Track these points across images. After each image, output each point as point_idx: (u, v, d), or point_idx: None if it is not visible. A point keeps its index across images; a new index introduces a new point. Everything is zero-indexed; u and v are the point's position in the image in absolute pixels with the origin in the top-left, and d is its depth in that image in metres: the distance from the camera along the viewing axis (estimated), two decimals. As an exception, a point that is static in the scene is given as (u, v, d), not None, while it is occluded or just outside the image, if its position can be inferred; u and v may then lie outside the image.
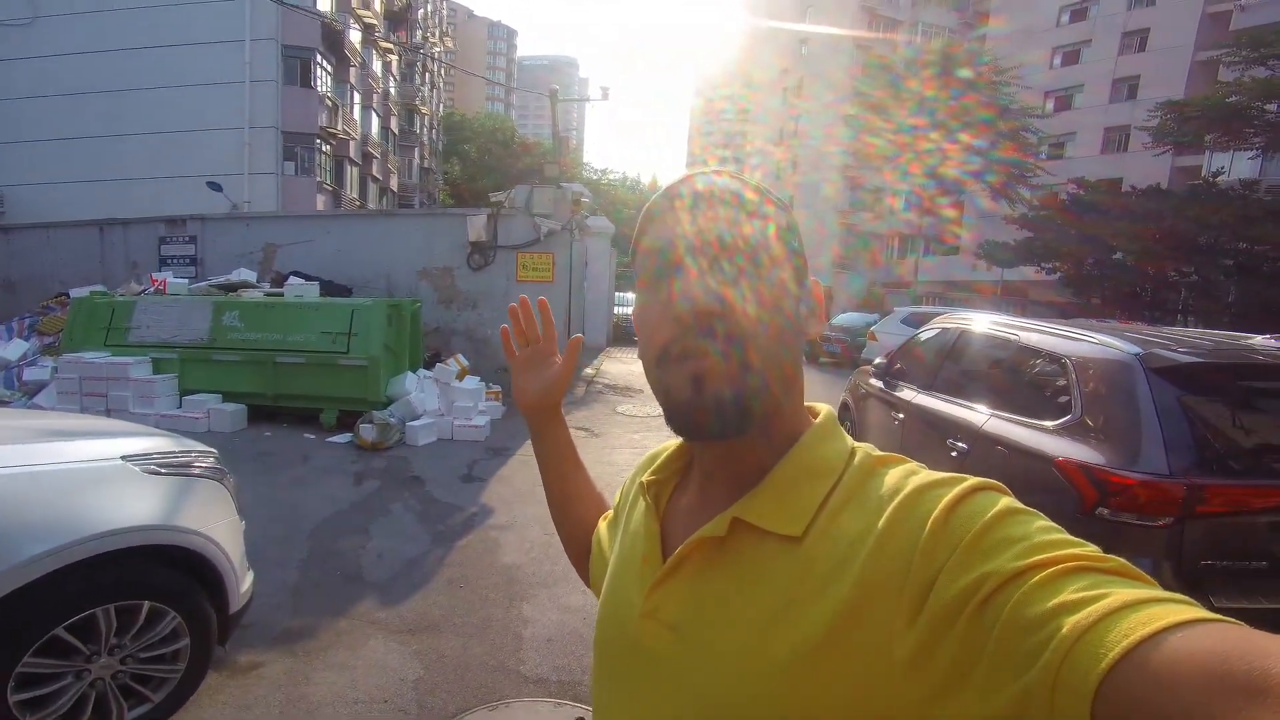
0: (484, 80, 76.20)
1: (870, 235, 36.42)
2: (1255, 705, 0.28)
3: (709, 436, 0.51)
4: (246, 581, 2.45)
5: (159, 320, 7.14)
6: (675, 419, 0.52)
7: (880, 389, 4.32)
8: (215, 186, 15.75)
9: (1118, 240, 18.91)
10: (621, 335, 17.66)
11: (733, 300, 0.49)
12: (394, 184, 31.55)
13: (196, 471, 2.29)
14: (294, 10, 18.42)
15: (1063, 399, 2.53)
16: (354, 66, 24.80)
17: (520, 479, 5.40)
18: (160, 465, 2.18)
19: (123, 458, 2.10)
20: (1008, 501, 0.44)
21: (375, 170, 28.39)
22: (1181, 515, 1.99)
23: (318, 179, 21.58)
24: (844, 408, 5.33)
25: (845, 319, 16.23)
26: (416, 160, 36.83)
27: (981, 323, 3.50)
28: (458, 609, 3.23)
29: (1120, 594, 0.36)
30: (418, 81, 36.53)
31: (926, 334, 4.22)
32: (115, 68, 19.60)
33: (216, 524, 2.28)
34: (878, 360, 4.75)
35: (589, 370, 11.90)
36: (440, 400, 7.08)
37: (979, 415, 2.97)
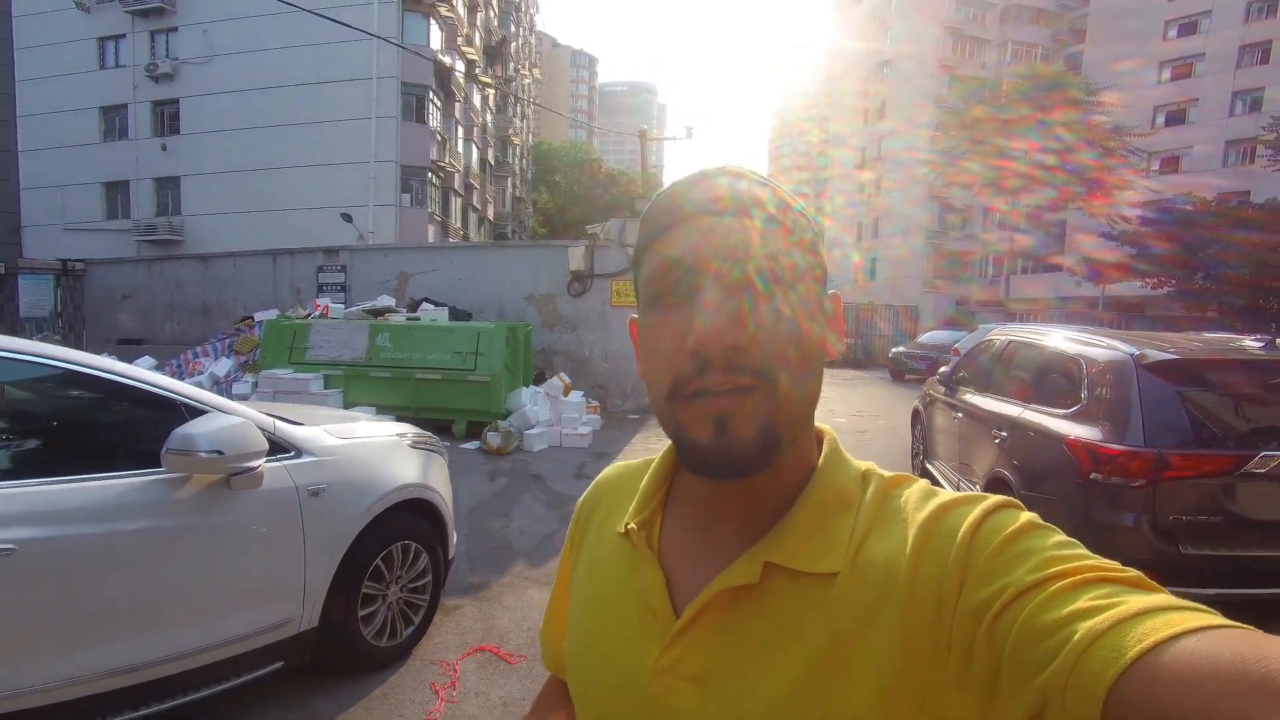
0: (569, 106, 79.69)
1: (959, 255, 35.72)
2: (1276, 706, 0.29)
3: (729, 477, 0.47)
4: (453, 536, 3.39)
5: (328, 341, 8.60)
6: (691, 460, 0.47)
7: (944, 394, 5.01)
8: (347, 218, 17.91)
9: (1230, 255, 18.06)
10: None
11: (760, 331, 0.45)
12: (490, 213, 33.97)
13: (432, 448, 3.27)
14: (411, 50, 20.52)
15: (1075, 391, 3.19)
16: (458, 101, 27.10)
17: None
18: (413, 442, 3.13)
19: (397, 435, 3.09)
20: (1028, 517, 0.44)
21: (475, 200, 30.74)
22: (1153, 478, 2.64)
23: (429, 210, 23.82)
24: (915, 414, 6.00)
25: (932, 337, 16.40)
26: (509, 189, 39.33)
27: (1020, 333, 4.16)
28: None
29: (1135, 601, 0.36)
30: (510, 113, 39.09)
31: (984, 345, 4.86)
32: (268, 105, 22.23)
33: (444, 487, 3.22)
34: (942, 370, 5.41)
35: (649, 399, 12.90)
36: (550, 412, 8.19)
37: (1015, 408, 3.65)
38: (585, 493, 0.67)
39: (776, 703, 0.45)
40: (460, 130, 28.18)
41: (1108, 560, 0.41)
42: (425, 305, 10.11)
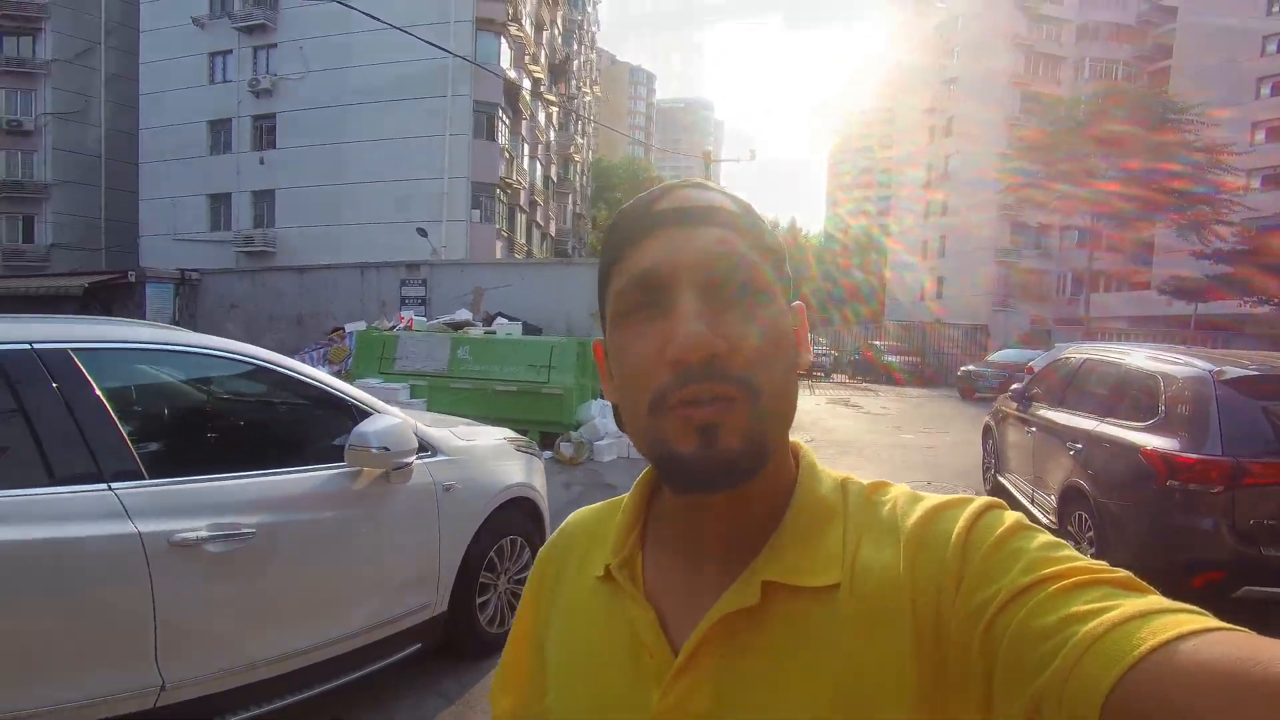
0: (626, 123, 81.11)
1: (1034, 273, 34.63)
2: (1276, 709, 0.29)
3: (717, 489, 0.46)
4: (550, 533, 3.71)
5: (413, 353, 9.17)
6: (675, 473, 0.46)
7: (1016, 409, 5.12)
8: (422, 233, 18.83)
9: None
10: None
11: (740, 340, 0.45)
12: (553, 229, 34.97)
13: (532, 452, 3.59)
14: (483, 68, 21.33)
15: (1151, 404, 3.30)
16: (525, 119, 28.12)
17: None
18: (518, 446, 3.46)
19: (504, 439, 3.41)
20: (1015, 518, 0.45)
21: (538, 217, 31.74)
22: (1231, 485, 2.74)
23: (496, 226, 24.81)
24: (986, 430, 6.08)
25: (1004, 355, 16.08)
26: (570, 206, 40.37)
27: (1097, 351, 4.25)
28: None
29: (1131, 605, 0.36)
30: (571, 130, 40.11)
31: (1058, 362, 4.93)
32: (352, 121, 23.35)
33: (542, 487, 3.52)
34: (1014, 387, 5.49)
35: None
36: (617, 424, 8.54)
37: (1091, 422, 3.76)
38: (547, 543, 0.63)
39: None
40: (526, 147, 29.17)
41: (1096, 561, 0.41)
42: (500, 320, 10.66)
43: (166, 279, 12.41)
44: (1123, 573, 0.40)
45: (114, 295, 11.97)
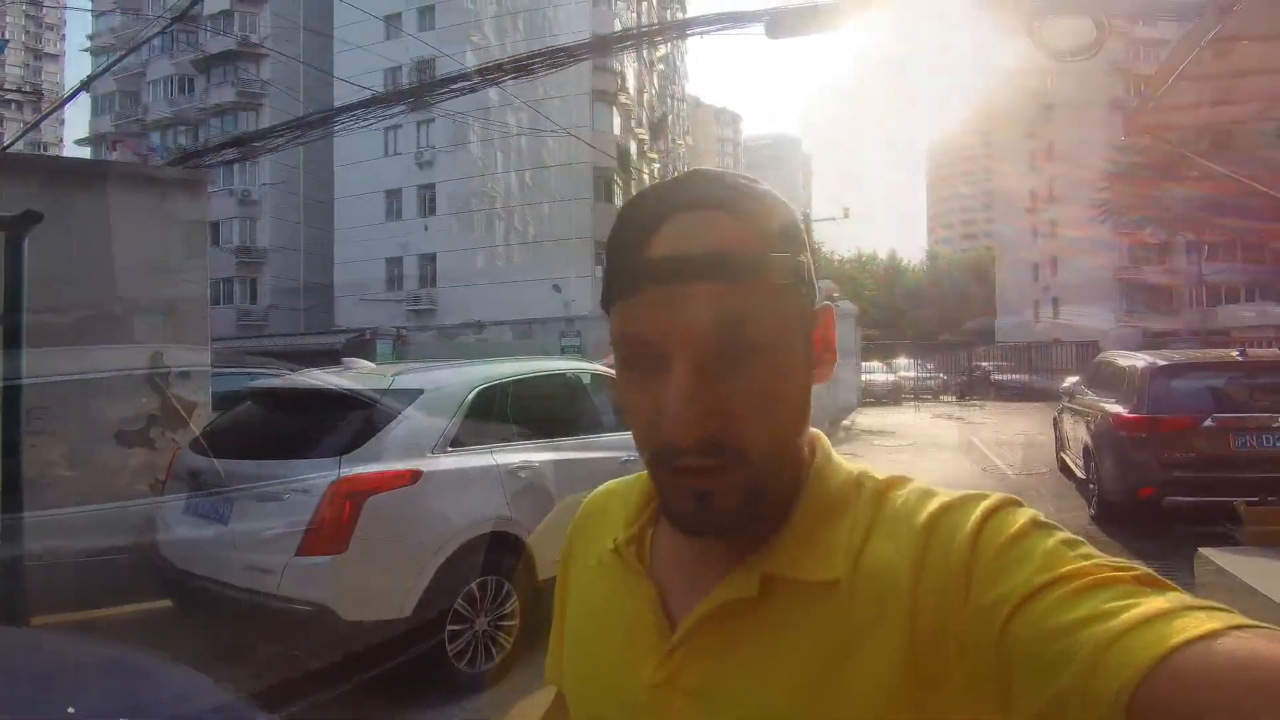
0: (715, 163, 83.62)
1: (1154, 287, 33.79)
2: None
3: (715, 538, 0.48)
4: None
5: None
6: (675, 523, 0.48)
7: (1067, 402, 7.37)
8: (557, 289, 22.16)
9: None
10: (868, 395, 21.26)
11: (734, 412, 0.44)
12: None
13: None
14: (600, 134, 24.79)
15: (1123, 386, 5.49)
16: (634, 180, 31.38)
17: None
18: None
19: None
20: (1030, 515, 0.44)
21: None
22: (1153, 431, 4.85)
23: (617, 280, 27.86)
24: (1055, 421, 8.30)
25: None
26: (676, 254, 43.08)
27: (1108, 355, 6.58)
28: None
29: (1152, 603, 0.35)
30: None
31: (1091, 365, 7.20)
32: (496, 190, 26.80)
33: None
34: (1069, 381, 7.99)
35: (846, 422, 15.55)
36: None
37: (1095, 400, 5.97)
38: (579, 512, 0.65)
39: (778, 713, 0.45)
40: (634, 205, 32.11)
41: (1114, 558, 0.40)
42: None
43: (387, 336, 16.27)
44: (1142, 570, 0.39)
45: (355, 349, 15.94)
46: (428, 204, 28.89)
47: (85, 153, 34.49)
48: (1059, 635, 0.36)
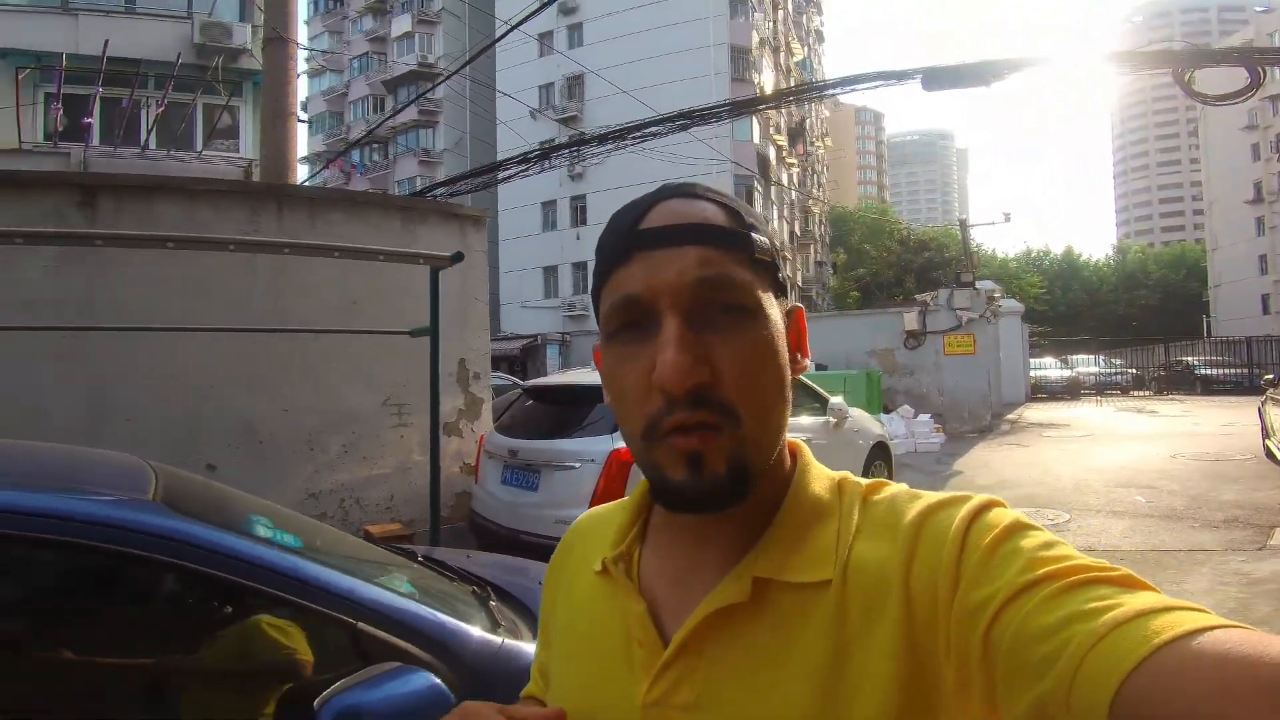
0: (856, 164, 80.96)
1: None
2: None
3: (705, 512, 0.48)
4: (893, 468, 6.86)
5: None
6: (668, 498, 0.49)
7: (1273, 392, 8.20)
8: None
9: None
10: (1039, 390, 21.45)
11: (724, 362, 0.46)
12: (799, 280, 37.81)
13: (877, 423, 6.98)
14: (742, 144, 25.34)
15: None
16: (774, 185, 31.70)
17: (967, 461, 9.88)
18: (876, 417, 6.92)
19: (862, 412, 6.72)
20: (1014, 516, 0.45)
21: (788, 270, 34.60)
22: None
23: (758, 282, 28.43)
24: (1259, 411, 8.85)
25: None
26: (812, 255, 42.77)
27: None
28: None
29: (1133, 603, 0.36)
30: (808, 184, 42.38)
31: None
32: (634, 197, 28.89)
33: (890, 441, 6.82)
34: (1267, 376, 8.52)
35: (1012, 416, 15.98)
36: (904, 429, 11.47)
37: None
38: (561, 540, 0.66)
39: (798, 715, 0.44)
40: (775, 209, 32.67)
41: (1095, 559, 0.41)
42: (793, 359, 14.01)
43: (555, 340, 18.24)
44: (1122, 570, 0.40)
45: (528, 353, 18.09)
46: (579, 214, 30.70)
47: (305, 171, 39.66)
48: (1042, 638, 0.37)
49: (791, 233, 37.34)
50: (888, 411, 12.11)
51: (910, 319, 13.36)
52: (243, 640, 1.32)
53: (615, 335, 0.50)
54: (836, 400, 5.91)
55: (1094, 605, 0.37)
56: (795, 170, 38.67)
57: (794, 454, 0.55)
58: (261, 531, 1.41)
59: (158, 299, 4.27)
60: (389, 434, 5.15)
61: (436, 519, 4.49)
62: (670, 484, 0.47)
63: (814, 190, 44.26)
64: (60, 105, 10.03)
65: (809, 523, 0.50)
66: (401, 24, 34.39)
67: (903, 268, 30.98)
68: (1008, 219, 17.39)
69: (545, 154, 11.16)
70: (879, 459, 6.36)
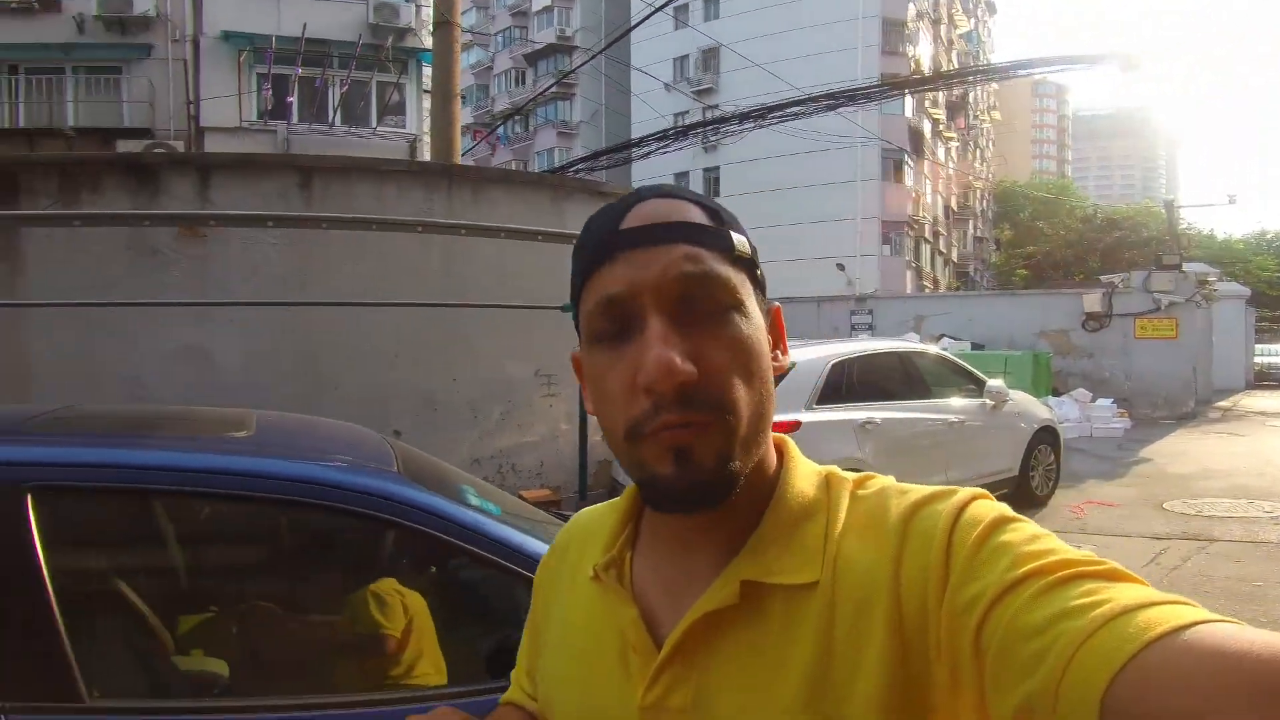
0: (1030, 138, 73.84)
1: None
2: (1275, 704, 0.29)
3: (693, 510, 0.47)
4: (1062, 453, 6.36)
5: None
6: (655, 496, 0.48)
7: None
8: (840, 268, 22.08)
9: None
10: (1265, 377, 20.18)
11: (710, 364, 0.46)
12: (954, 255, 35.25)
13: (1050, 409, 6.66)
14: (891, 117, 23.89)
15: None
16: (927, 159, 29.50)
17: (1158, 449, 9.20)
18: (1043, 402, 6.56)
19: (1029, 398, 6.38)
20: (1000, 509, 0.45)
21: (941, 245, 32.67)
22: None
23: (905, 258, 26.87)
24: None
25: None
26: (970, 231, 39.72)
27: None
28: (1143, 495, 6.70)
29: (1121, 599, 0.36)
30: (970, 159, 39.52)
31: None
32: (775, 173, 26.97)
33: (1059, 423, 6.42)
34: None
35: (1224, 403, 14.79)
36: (1078, 413, 10.57)
37: None
38: (552, 544, 0.66)
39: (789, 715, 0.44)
40: (928, 183, 30.51)
41: (1082, 552, 0.41)
42: (945, 339, 12.99)
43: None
44: (1109, 564, 0.40)
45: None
46: (713, 186, 30.21)
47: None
48: (1030, 635, 0.37)
49: (947, 208, 34.84)
50: (1058, 394, 11.32)
51: (1091, 300, 12.33)
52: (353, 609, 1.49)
53: (598, 339, 0.49)
54: (996, 382, 5.62)
55: (1082, 601, 0.37)
56: (954, 144, 35.94)
57: (780, 451, 0.54)
58: (472, 500, 1.52)
59: (353, 276, 4.79)
60: (539, 403, 5.47)
61: (584, 485, 4.70)
62: (658, 479, 0.46)
63: (975, 164, 40.92)
64: (270, 85, 11.28)
65: (796, 521, 0.49)
66: (543, -2, 35.18)
67: (1085, 247, 28.47)
68: (1232, 201, 14.94)
69: (681, 132, 11.06)
70: (1044, 443, 6.07)
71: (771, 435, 0.52)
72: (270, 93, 11.37)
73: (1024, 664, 0.36)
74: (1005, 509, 0.46)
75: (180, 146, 10.52)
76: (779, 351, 0.52)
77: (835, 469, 0.54)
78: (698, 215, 0.49)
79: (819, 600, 0.46)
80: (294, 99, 11.53)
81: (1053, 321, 12.89)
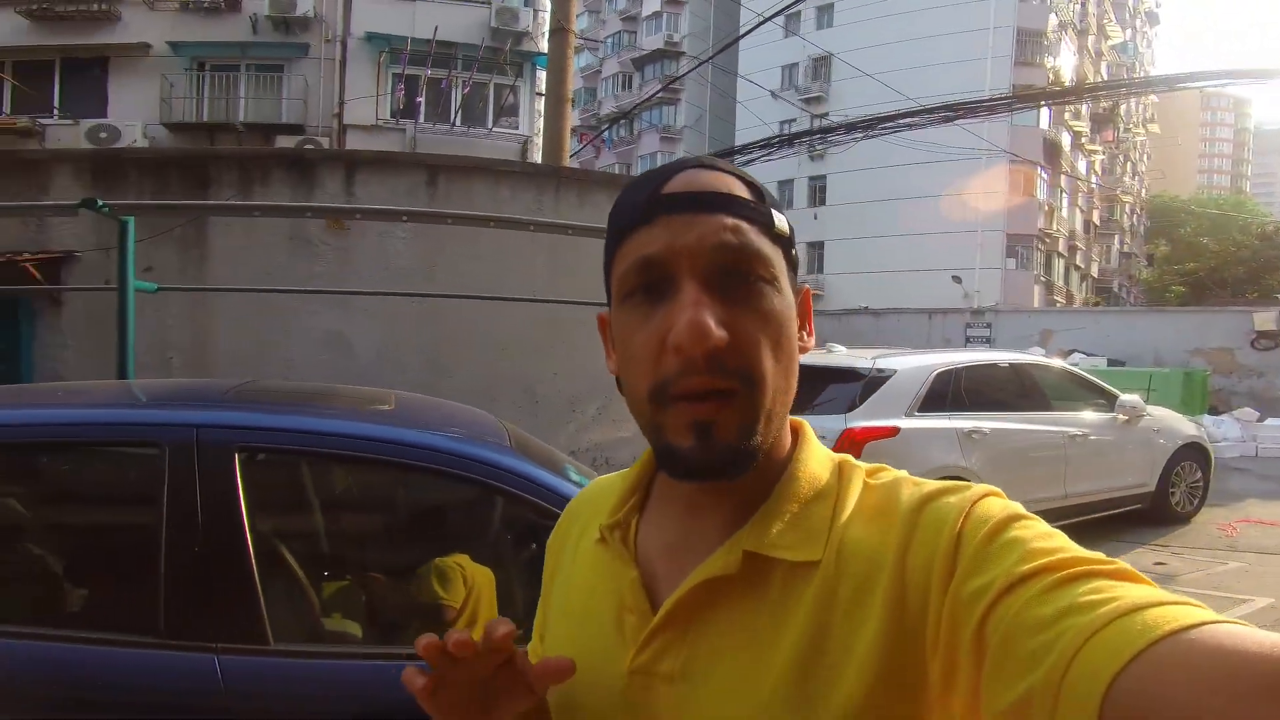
0: (1197, 152, 66.70)
1: None
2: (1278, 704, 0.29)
3: (711, 480, 0.47)
4: (1213, 469, 5.90)
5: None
6: (671, 464, 0.48)
7: None
8: (957, 280, 20.80)
9: None
10: None
11: (741, 329, 0.46)
12: (1094, 270, 32.49)
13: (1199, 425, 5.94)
14: (1024, 128, 22.42)
15: None
16: (1064, 173, 27.24)
17: None
18: (1190, 418, 6.03)
19: (1173, 414, 5.89)
20: (1013, 507, 0.45)
21: (1078, 260, 30.17)
22: None
23: (1033, 272, 24.95)
24: None
25: None
26: (1116, 246, 36.60)
27: None
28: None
29: (1128, 598, 0.36)
30: (1118, 172, 36.54)
31: None
32: (888, 182, 25.91)
33: (1209, 441, 5.94)
34: None
35: None
36: (1241, 432, 9.81)
37: None
38: (567, 507, 0.66)
39: (759, 704, 0.45)
40: (1065, 197, 28.25)
41: (1092, 552, 0.41)
42: (1075, 355, 12.01)
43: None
44: (1118, 563, 0.40)
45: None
46: (818, 194, 29.66)
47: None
48: (1036, 630, 0.36)
49: (1088, 222, 32.23)
50: (1216, 413, 10.59)
51: (1264, 319, 11.56)
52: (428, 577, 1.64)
53: (629, 297, 0.49)
54: (1130, 397, 5.40)
55: (1090, 598, 0.36)
56: (1099, 157, 33.40)
57: (796, 432, 0.54)
58: (574, 477, 1.64)
59: (470, 271, 5.14)
60: (633, 400, 5.60)
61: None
62: (676, 451, 0.47)
63: (1125, 178, 37.68)
64: (403, 86, 12.04)
65: (806, 501, 0.50)
66: (652, 3, 35.19)
67: (1260, 264, 25.86)
68: None
69: (788, 140, 10.87)
70: (1189, 459, 5.75)
71: (788, 416, 0.52)
72: (403, 92, 12.02)
73: (1027, 658, 0.36)
74: (1018, 507, 0.45)
75: (326, 143, 11.42)
76: (805, 332, 0.52)
77: (849, 457, 0.54)
78: (741, 190, 0.49)
79: (819, 580, 0.46)
80: (422, 99, 12.17)
81: (1212, 339, 12.06)
